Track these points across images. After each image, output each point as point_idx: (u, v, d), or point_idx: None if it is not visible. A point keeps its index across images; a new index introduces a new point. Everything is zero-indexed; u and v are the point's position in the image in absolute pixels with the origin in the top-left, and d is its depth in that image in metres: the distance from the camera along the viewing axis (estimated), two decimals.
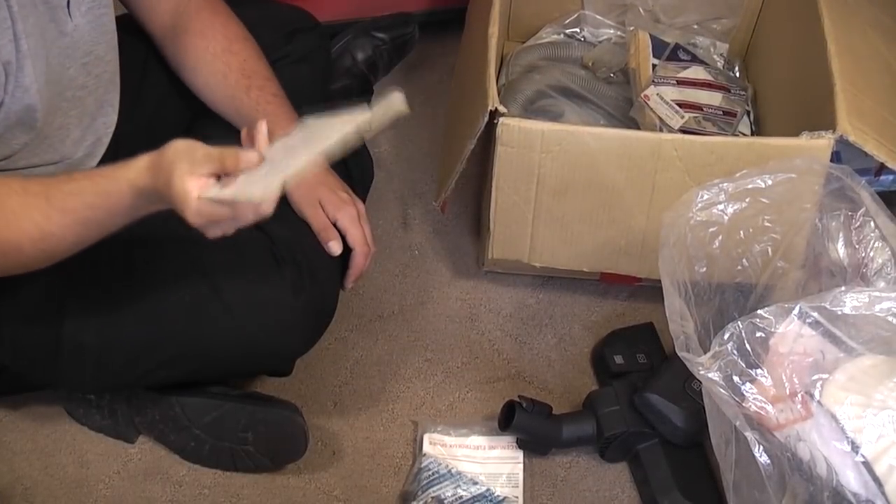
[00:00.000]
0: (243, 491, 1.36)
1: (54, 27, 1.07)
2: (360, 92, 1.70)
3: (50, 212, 1.00)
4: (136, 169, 0.99)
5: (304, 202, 1.28)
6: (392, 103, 0.98)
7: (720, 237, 1.21)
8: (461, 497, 1.33)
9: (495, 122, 1.33)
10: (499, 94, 1.35)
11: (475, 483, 1.35)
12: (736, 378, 1.04)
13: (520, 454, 1.38)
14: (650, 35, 1.68)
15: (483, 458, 1.37)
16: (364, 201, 1.37)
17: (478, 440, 1.39)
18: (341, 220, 1.28)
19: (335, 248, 1.27)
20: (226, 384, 1.36)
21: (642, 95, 1.59)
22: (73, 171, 1.04)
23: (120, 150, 1.25)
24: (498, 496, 1.34)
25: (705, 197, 1.20)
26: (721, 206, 1.20)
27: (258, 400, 1.35)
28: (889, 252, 1.19)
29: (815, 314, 1.06)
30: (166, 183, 0.96)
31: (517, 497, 1.35)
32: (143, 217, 1.03)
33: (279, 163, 0.97)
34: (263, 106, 1.28)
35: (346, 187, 1.32)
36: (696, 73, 1.64)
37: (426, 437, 1.39)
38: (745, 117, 1.64)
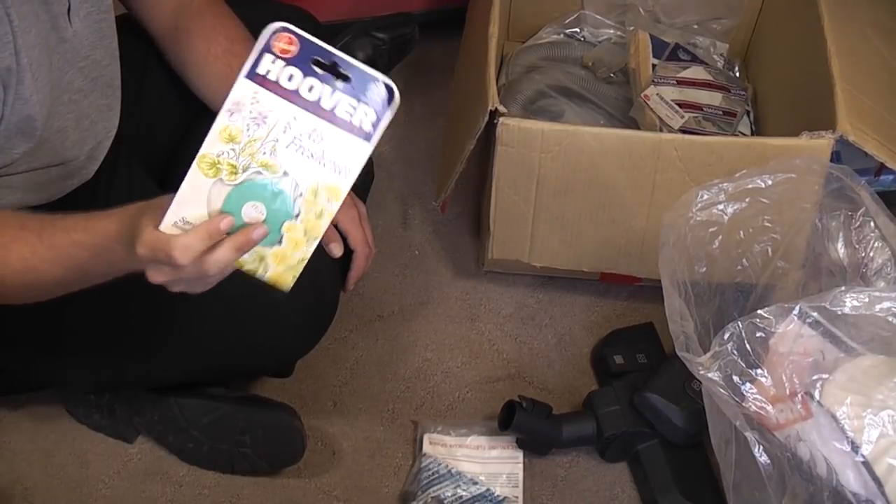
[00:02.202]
0: (243, 491, 1.36)
1: (55, 35, 1.07)
2: None
3: (38, 246, 0.99)
4: (126, 208, 0.96)
5: None
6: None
7: (720, 237, 1.21)
8: (461, 497, 1.33)
9: (495, 122, 1.33)
10: (499, 94, 1.35)
11: (475, 483, 1.35)
12: (736, 378, 1.04)
13: (520, 454, 1.38)
14: (650, 35, 1.68)
15: (483, 458, 1.37)
16: (364, 202, 1.38)
17: (478, 440, 1.39)
18: (342, 221, 1.28)
19: (336, 250, 1.27)
20: (226, 386, 1.36)
21: (642, 95, 1.59)
22: (70, 212, 1.03)
23: (120, 151, 1.25)
24: (498, 496, 1.34)
25: (705, 197, 1.20)
26: (721, 206, 1.20)
27: (257, 403, 1.35)
28: (889, 252, 1.19)
29: (815, 314, 1.06)
30: (141, 212, 0.93)
31: (517, 497, 1.35)
32: (125, 274, 0.99)
33: None
34: None
35: None
36: (696, 73, 1.64)
37: (426, 437, 1.39)
38: (745, 117, 1.64)
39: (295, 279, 0.92)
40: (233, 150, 0.87)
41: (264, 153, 0.88)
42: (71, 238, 0.98)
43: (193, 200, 0.89)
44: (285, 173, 0.89)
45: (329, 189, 0.89)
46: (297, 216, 0.90)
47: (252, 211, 0.90)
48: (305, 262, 0.92)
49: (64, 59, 1.09)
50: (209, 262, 0.90)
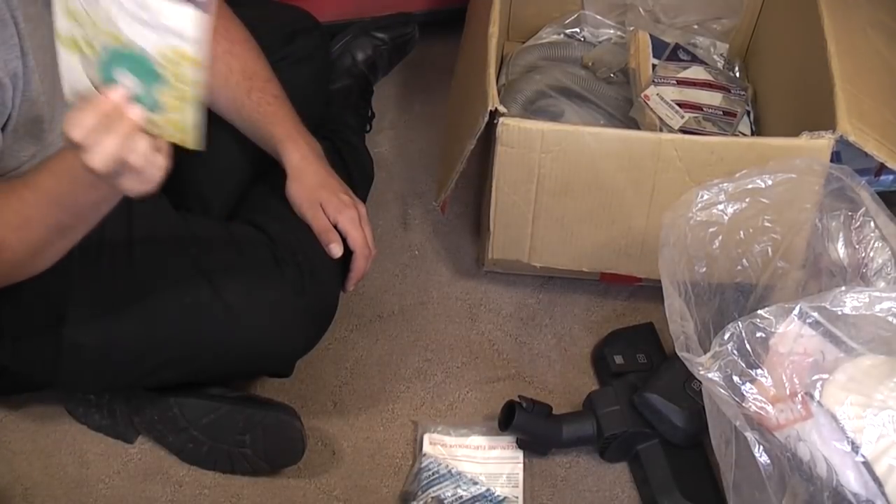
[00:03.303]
0: (243, 491, 1.36)
1: None
2: (361, 92, 1.70)
3: (24, 192, 0.99)
4: None
5: (305, 204, 1.28)
6: None
7: (720, 237, 1.21)
8: (461, 497, 1.33)
9: (495, 122, 1.33)
10: (499, 94, 1.35)
11: (475, 483, 1.35)
12: (736, 378, 1.04)
13: (520, 454, 1.38)
14: (650, 35, 1.68)
15: (483, 458, 1.37)
16: (364, 201, 1.37)
17: (478, 440, 1.39)
18: (342, 222, 1.28)
19: (336, 250, 1.27)
20: (225, 386, 1.36)
21: (642, 95, 1.59)
22: None
23: None
24: (498, 496, 1.34)
25: (705, 197, 1.20)
26: (721, 206, 1.20)
27: (256, 403, 1.35)
28: (889, 252, 1.19)
29: (816, 314, 1.06)
30: None
31: (517, 497, 1.35)
32: (109, 202, 1.00)
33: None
34: (264, 107, 1.29)
35: (348, 189, 1.32)
36: (696, 73, 1.64)
37: (426, 437, 1.39)
38: (745, 117, 1.64)
39: (196, 141, 0.94)
40: (80, 28, 0.91)
41: (107, 26, 0.91)
42: (50, 170, 0.98)
43: (76, 77, 0.93)
44: (132, 42, 0.91)
45: (178, 54, 0.91)
46: (164, 81, 0.93)
47: (125, 80, 0.93)
48: (193, 125, 0.93)
49: (48, 41, 1.09)
50: (110, 141, 0.90)
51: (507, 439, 1.38)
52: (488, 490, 1.35)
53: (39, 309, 1.19)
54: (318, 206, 1.28)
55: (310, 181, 1.28)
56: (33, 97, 1.04)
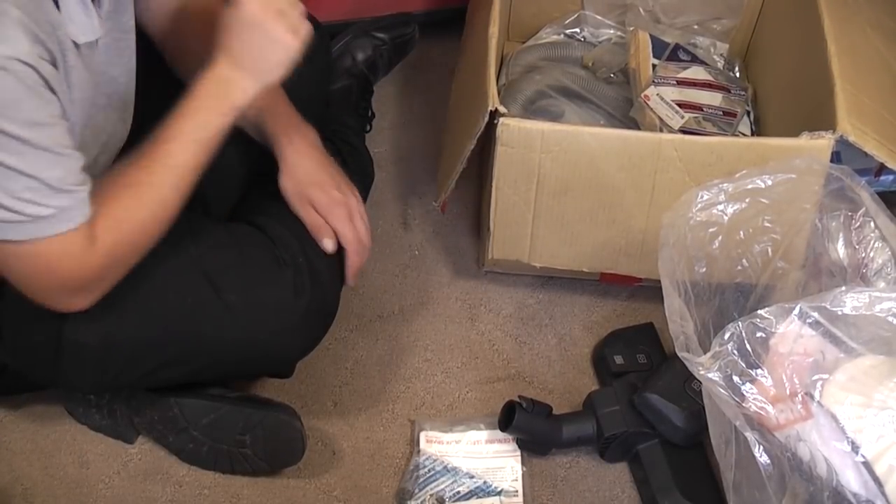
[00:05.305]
0: (243, 491, 1.36)
1: (82, 57, 1.08)
2: (361, 92, 1.70)
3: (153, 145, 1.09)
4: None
5: (296, 202, 1.28)
6: None
7: (720, 237, 1.21)
8: (459, 492, 1.34)
9: (495, 122, 1.33)
10: (499, 94, 1.35)
11: (472, 477, 1.35)
12: (736, 378, 1.04)
13: (517, 448, 1.38)
14: (650, 35, 1.68)
15: (480, 454, 1.38)
16: (364, 202, 1.37)
17: (474, 435, 1.39)
18: (331, 220, 1.28)
19: (329, 245, 1.27)
20: (225, 386, 1.36)
21: (642, 95, 1.59)
22: None
23: (122, 153, 1.25)
24: (496, 488, 1.35)
25: (705, 197, 1.20)
26: (721, 207, 1.20)
27: (257, 403, 1.35)
28: (889, 252, 1.19)
29: (816, 314, 1.06)
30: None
31: (516, 490, 1.35)
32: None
33: None
34: (258, 101, 1.28)
35: (340, 181, 1.31)
36: (696, 73, 1.64)
37: (423, 435, 1.39)
38: (745, 117, 1.64)
39: None
40: None
41: None
42: (176, 113, 1.11)
43: None
44: None
45: None
46: None
47: None
48: None
49: (83, 77, 1.10)
50: None
51: (504, 434, 1.38)
52: (485, 482, 1.35)
53: (40, 307, 1.19)
54: (307, 203, 1.28)
55: (300, 177, 1.28)
56: (66, 114, 1.05)
